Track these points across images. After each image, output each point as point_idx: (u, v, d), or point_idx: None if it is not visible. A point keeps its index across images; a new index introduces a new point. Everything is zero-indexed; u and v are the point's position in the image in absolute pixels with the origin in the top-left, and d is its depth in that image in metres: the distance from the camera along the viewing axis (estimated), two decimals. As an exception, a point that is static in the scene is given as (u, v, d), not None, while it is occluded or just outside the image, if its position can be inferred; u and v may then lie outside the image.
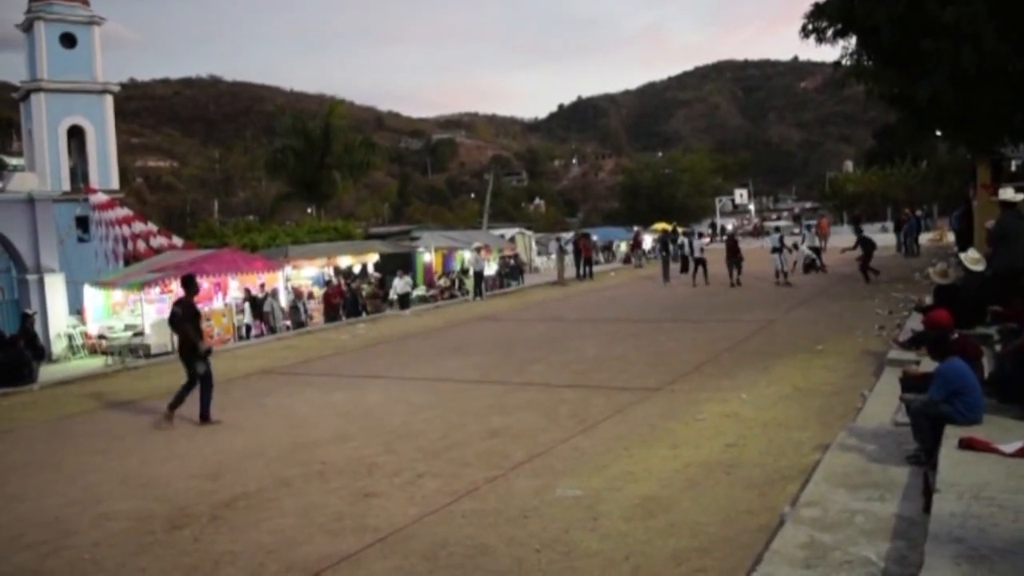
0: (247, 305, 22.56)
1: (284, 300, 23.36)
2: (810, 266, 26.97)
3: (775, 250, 25.40)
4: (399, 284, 27.23)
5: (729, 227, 42.71)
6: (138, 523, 7.39)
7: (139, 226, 26.42)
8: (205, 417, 11.38)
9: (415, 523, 6.74)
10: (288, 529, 6.89)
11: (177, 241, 27.73)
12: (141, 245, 25.85)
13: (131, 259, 25.35)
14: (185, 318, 11.51)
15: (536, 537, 6.17)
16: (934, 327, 7.13)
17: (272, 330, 22.15)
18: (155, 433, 11.21)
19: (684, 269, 28.95)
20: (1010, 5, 16.19)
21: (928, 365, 7.61)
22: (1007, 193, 10.34)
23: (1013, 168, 20.99)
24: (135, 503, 8.02)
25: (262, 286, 22.95)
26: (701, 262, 27.21)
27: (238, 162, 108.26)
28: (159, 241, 26.57)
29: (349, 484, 7.99)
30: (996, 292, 9.36)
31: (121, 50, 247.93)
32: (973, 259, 10.22)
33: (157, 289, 20.52)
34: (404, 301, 26.85)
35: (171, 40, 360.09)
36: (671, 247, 30.21)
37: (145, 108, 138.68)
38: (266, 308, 22.27)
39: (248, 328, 22.22)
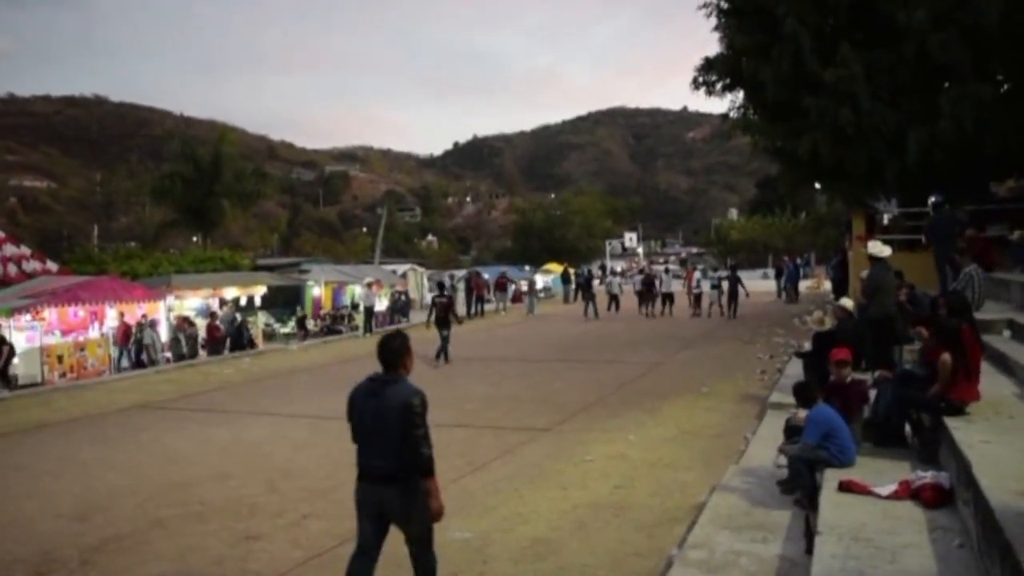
0: None
1: (165, 332, 22.49)
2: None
3: (713, 287, 28.99)
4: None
5: (657, 268, 43.52)
6: (-2, 568, 6.91)
7: (10, 249, 25.22)
8: (441, 355, 18.48)
9: (299, 567, 6.52)
10: (164, 574, 6.55)
11: (52, 266, 26.52)
12: (12, 269, 24.63)
13: (0, 284, 24.06)
14: (451, 301, 19.68)
15: (424, 581, 6.04)
16: (835, 363, 7.81)
17: (152, 362, 21.22)
18: (19, 470, 10.55)
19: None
20: (883, 69, 17.34)
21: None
22: (875, 247, 10.84)
23: (885, 221, 22.15)
24: (-6, 545, 7.50)
25: None
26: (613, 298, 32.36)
27: (121, 186, 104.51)
28: (32, 265, 25.37)
29: (230, 525, 7.67)
30: (873, 338, 9.92)
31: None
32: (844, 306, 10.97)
33: (28, 316, 19.43)
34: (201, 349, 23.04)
35: (54, 55, 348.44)
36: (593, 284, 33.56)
37: (23, 125, 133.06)
38: (146, 340, 21.28)
39: None
